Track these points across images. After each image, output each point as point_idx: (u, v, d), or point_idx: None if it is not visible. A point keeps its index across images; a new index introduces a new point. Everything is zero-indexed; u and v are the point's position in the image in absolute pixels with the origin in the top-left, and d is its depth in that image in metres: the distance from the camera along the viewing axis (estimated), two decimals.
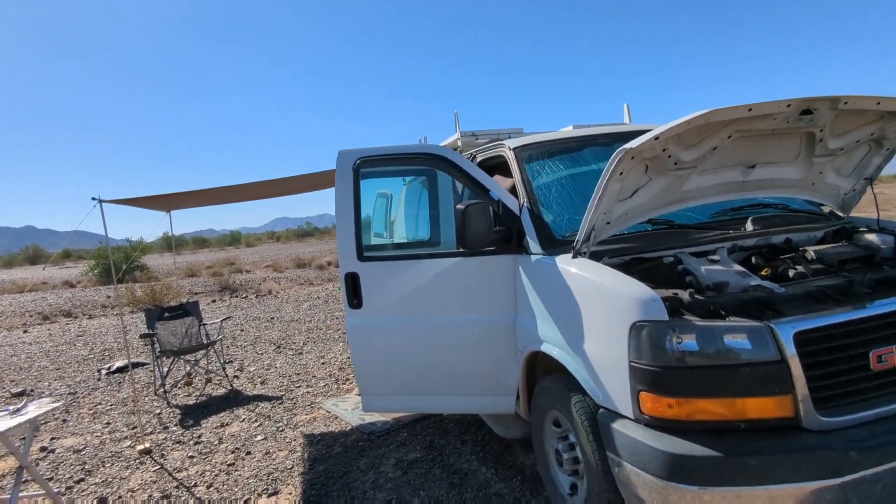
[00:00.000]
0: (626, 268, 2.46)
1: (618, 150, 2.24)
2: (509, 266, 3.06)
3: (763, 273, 2.42)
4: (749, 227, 2.80)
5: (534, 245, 2.88)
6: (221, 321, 6.57)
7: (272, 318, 10.55)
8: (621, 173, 2.32)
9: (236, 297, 14.98)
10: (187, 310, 6.34)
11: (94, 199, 4.34)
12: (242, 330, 9.53)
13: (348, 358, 6.86)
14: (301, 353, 7.41)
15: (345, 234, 3.40)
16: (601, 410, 2.33)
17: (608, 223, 2.56)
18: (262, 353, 7.62)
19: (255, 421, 4.93)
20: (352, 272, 3.38)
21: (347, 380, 5.95)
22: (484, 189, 3.13)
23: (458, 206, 2.92)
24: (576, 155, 3.38)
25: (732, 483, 1.89)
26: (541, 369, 3.07)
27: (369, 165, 3.45)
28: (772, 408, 1.97)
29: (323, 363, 6.75)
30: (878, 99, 2.32)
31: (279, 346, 7.96)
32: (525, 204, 3.04)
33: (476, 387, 3.29)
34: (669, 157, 2.38)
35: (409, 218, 5.08)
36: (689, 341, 2.02)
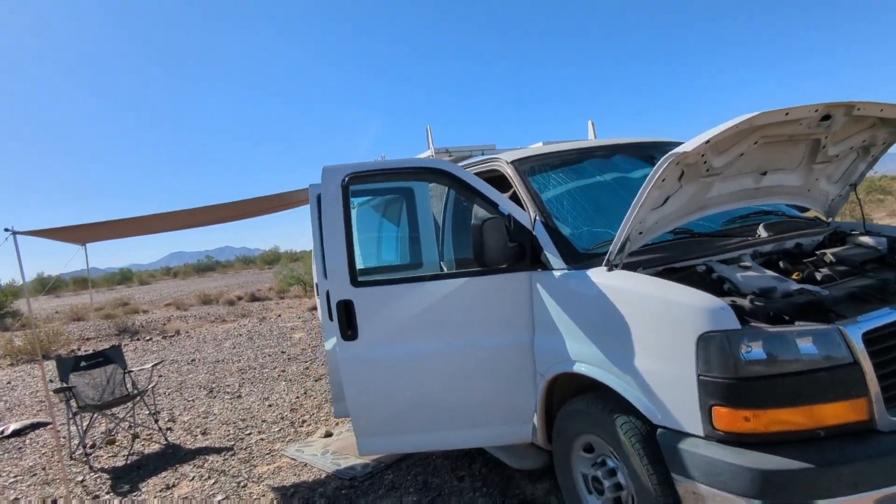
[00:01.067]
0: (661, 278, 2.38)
1: (667, 155, 2.16)
2: (523, 284, 2.89)
3: (794, 277, 2.43)
4: (763, 233, 2.84)
5: (555, 260, 2.73)
6: (152, 367, 5.80)
7: (193, 360, 9.60)
8: (664, 180, 2.24)
9: (139, 339, 13.58)
10: (108, 356, 5.54)
11: (6, 230, 3.66)
12: (161, 375, 8.55)
13: (297, 398, 6.32)
14: (240, 397, 6.73)
15: (335, 259, 3.08)
16: (660, 430, 2.20)
17: (640, 233, 2.47)
18: (193, 400, 6.83)
19: (209, 478, 4.32)
20: (345, 300, 3.05)
21: (304, 421, 5.44)
22: (493, 203, 2.95)
23: (474, 222, 2.72)
24: (578, 167, 3.31)
25: (828, 495, 1.81)
26: (559, 393, 2.91)
27: (359, 182, 3.16)
28: (848, 412, 1.93)
29: (269, 405, 6.15)
30: (882, 106, 2.44)
31: (211, 391, 7.19)
32: (538, 218, 2.89)
33: (489, 417, 3.06)
34: (705, 163, 2.35)
35: (365, 243, 4.76)
36: (762, 349, 1.94)
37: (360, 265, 4.49)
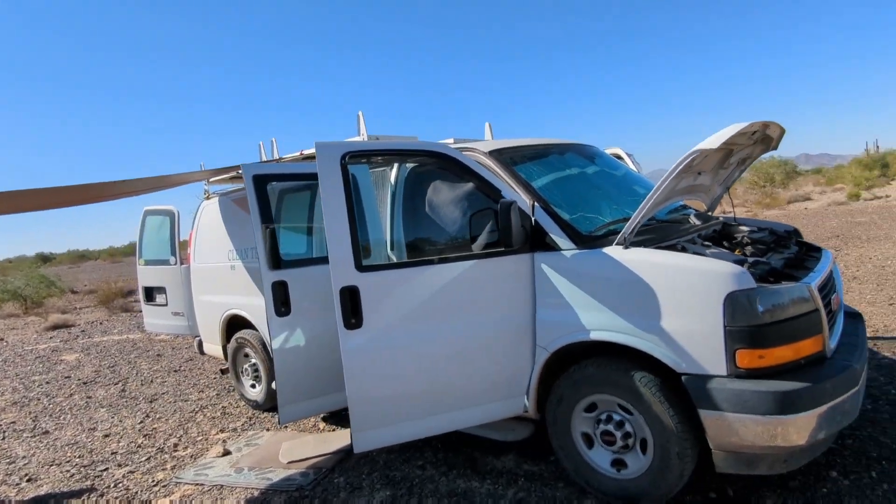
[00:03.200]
0: None
1: (694, 150, 2.64)
2: (525, 265, 3.10)
3: (738, 253, 3.17)
4: (696, 221, 3.57)
5: (563, 242, 3.01)
6: None
7: None
8: (681, 170, 2.73)
9: None
10: None
11: None
12: None
13: (141, 422, 5.31)
14: (47, 433, 5.31)
15: (337, 242, 2.85)
16: (685, 377, 2.65)
17: (643, 216, 2.91)
18: None
19: None
20: (350, 286, 2.85)
21: (176, 445, 4.63)
22: (496, 190, 3.09)
23: (501, 204, 2.85)
24: (545, 161, 3.64)
25: (820, 403, 2.48)
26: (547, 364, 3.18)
27: (357, 161, 2.97)
28: (814, 345, 2.63)
29: (106, 436, 5.02)
30: (772, 125, 3.33)
31: None
32: (536, 204, 3.14)
33: (489, 394, 3.17)
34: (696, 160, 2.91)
35: (292, 230, 4.37)
36: (771, 302, 2.54)
37: (289, 254, 4.12)
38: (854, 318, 3.43)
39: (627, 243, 2.85)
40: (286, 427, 4.80)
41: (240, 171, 5.14)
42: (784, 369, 2.56)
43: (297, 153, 4.56)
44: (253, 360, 5.31)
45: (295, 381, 3.60)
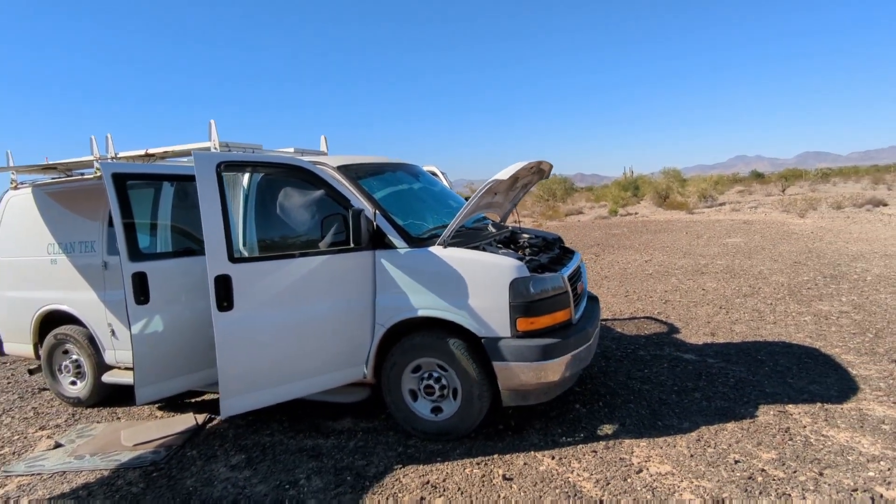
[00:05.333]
0: None
1: (493, 179, 3.71)
2: (368, 260, 3.89)
3: (520, 253, 4.36)
4: (493, 229, 4.71)
5: (399, 242, 3.87)
6: None
7: None
8: (486, 192, 3.78)
9: None
10: None
11: None
12: None
13: None
14: None
15: (213, 237, 3.34)
16: (484, 340, 3.69)
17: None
18: None
19: None
20: (223, 274, 3.36)
21: None
22: (346, 199, 3.83)
23: (353, 211, 3.60)
24: (382, 177, 4.45)
25: (566, 353, 3.71)
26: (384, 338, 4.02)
27: (230, 170, 3.47)
28: (564, 315, 3.89)
29: None
30: (544, 162, 4.64)
31: None
32: (377, 211, 3.95)
33: (337, 364, 3.87)
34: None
35: (149, 227, 4.52)
36: (539, 286, 3.72)
37: (149, 248, 4.33)
38: (593, 300, 4.90)
39: (446, 244, 3.82)
40: (120, 418, 4.88)
41: (59, 165, 5.05)
42: (546, 331, 3.76)
43: (142, 151, 4.72)
44: (75, 357, 5.21)
45: (153, 364, 3.87)
